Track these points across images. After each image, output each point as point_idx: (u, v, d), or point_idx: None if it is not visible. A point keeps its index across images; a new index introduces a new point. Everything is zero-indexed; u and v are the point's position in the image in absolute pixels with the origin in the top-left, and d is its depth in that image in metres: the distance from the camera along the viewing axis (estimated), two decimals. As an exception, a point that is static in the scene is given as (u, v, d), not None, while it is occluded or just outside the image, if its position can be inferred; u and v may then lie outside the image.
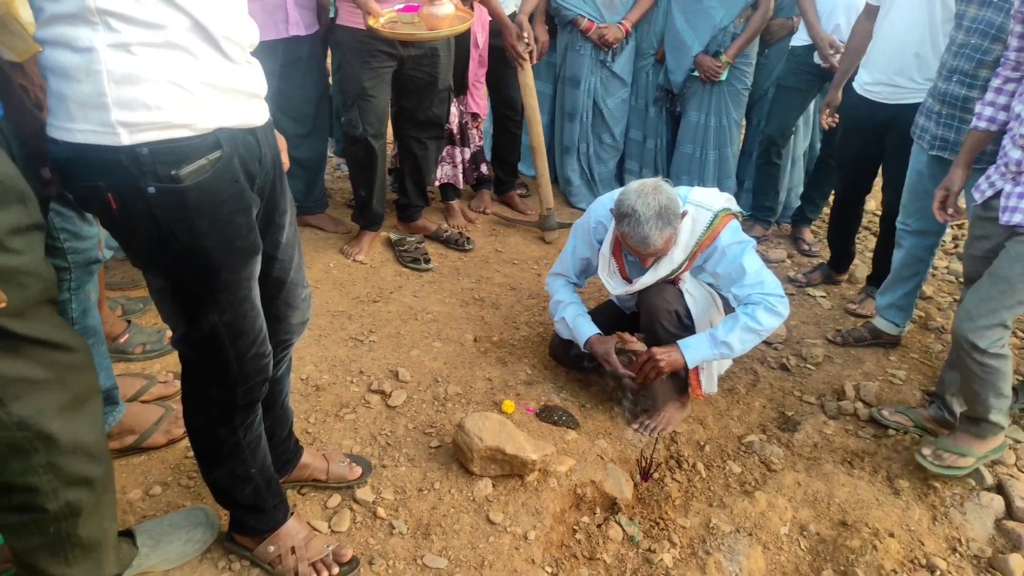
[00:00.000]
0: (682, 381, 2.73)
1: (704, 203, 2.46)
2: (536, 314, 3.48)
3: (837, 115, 3.63)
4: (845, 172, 3.75)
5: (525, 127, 4.28)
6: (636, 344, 2.56)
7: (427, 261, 3.72)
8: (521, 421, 2.59)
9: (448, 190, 4.25)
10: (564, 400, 2.80)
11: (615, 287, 2.63)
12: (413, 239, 3.81)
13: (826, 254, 4.26)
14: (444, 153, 4.06)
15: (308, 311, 1.86)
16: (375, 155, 3.46)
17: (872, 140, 3.42)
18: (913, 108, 3.08)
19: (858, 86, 3.38)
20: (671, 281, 2.56)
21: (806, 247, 4.51)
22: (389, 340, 3.02)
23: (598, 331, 2.65)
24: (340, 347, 2.90)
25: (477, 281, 3.72)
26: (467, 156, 4.17)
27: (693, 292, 2.58)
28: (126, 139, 1.28)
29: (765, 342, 3.47)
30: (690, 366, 2.52)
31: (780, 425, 2.90)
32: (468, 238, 4.04)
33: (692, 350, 2.51)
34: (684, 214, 2.37)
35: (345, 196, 4.40)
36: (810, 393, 3.08)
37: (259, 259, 1.50)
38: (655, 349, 2.49)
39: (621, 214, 2.27)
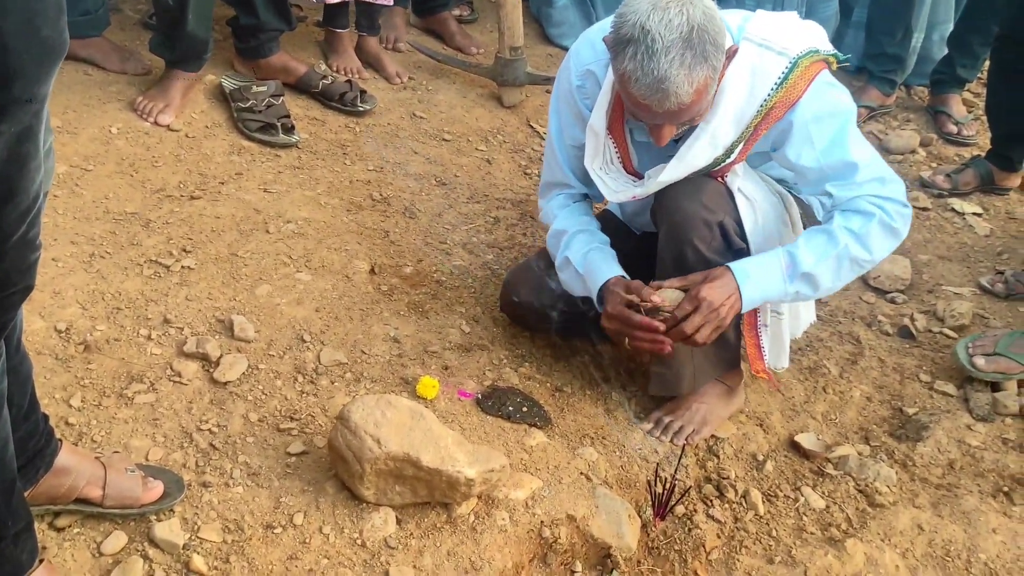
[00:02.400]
0: (729, 348, 2.78)
1: (773, 41, 2.45)
2: (483, 230, 3.46)
3: None
4: None
5: None
6: (669, 299, 2.51)
7: (289, 130, 3.68)
8: (451, 412, 2.59)
9: (336, 12, 4.19)
10: (526, 379, 2.82)
11: (615, 188, 2.61)
12: (264, 89, 3.75)
13: (986, 141, 4.32)
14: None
15: (52, 174, 1.85)
16: None
17: None
18: None
19: None
20: (712, 175, 2.57)
21: (953, 128, 4.58)
22: (217, 267, 2.98)
23: (622, 273, 2.64)
24: (129, 277, 2.86)
25: (378, 169, 3.69)
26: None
27: (752, 194, 2.59)
28: None
29: (877, 289, 3.54)
30: (745, 308, 2.52)
31: (895, 430, 2.97)
32: (364, 92, 4.01)
33: (753, 282, 2.48)
34: (733, 51, 2.35)
35: (140, 9, 4.27)
36: (946, 377, 3.15)
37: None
38: (702, 287, 2.44)
39: (621, 39, 2.22)
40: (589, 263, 2.65)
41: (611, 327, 2.56)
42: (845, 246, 2.44)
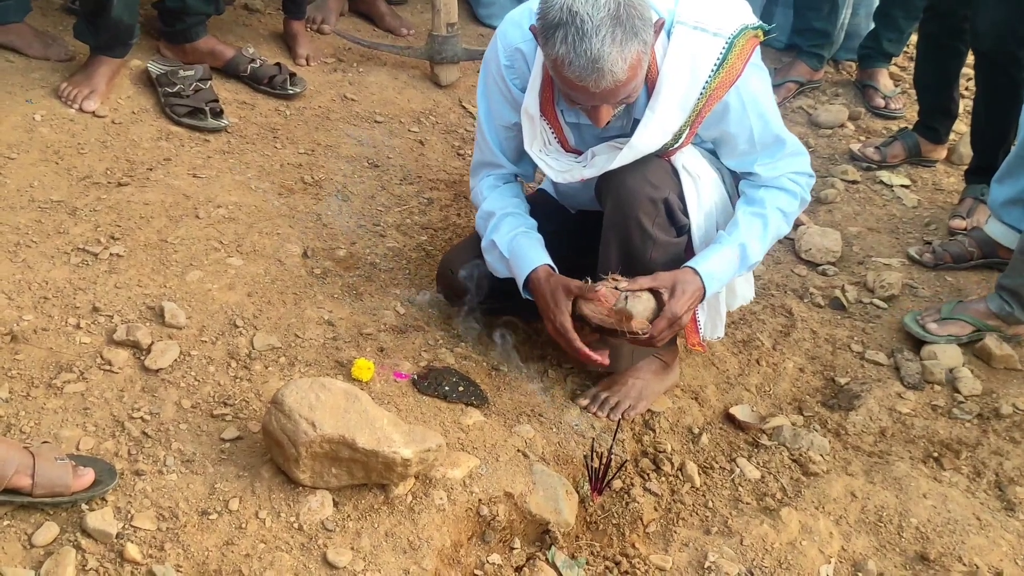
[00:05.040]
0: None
1: (707, 23, 2.47)
2: (416, 211, 3.45)
3: None
4: None
5: None
6: (639, 319, 2.48)
7: (218, 115, 3.65)
8: (386, 394, 2.59)
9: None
10: (462, 359, 2.82)
11: (560, 168, 2.63)
12: (190, 73, 3.70)
13: (913, 114, 4.39)
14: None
15: None
16: None
17: None
18: None
19: None
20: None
21: (881, 102, 4.64)
22: (147, 254, 2.95)
23: (549, 262, 2.65)
24: (56, 265, 2.82)
25: (309, 152, 3.67)
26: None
27: (695, 170, 2.63)
28: None
29: (808, 262, 3.59)
30: (709, 294, 2.60)
31: (827, 400, 3.03)
32: (294, 74, 3.98)
33: (717, 281, 2.58)
34: (660, 24, 2.37)
35: (63, -8, 4.21)
36: (877, 347, 3.21)
37: None
38: (675, 302, 2.48)
39: (550, 24, 2.23)
40: (515, 248, 2.67)
41: (548, 328, 2.60)
42: (777, 227, 2.63)
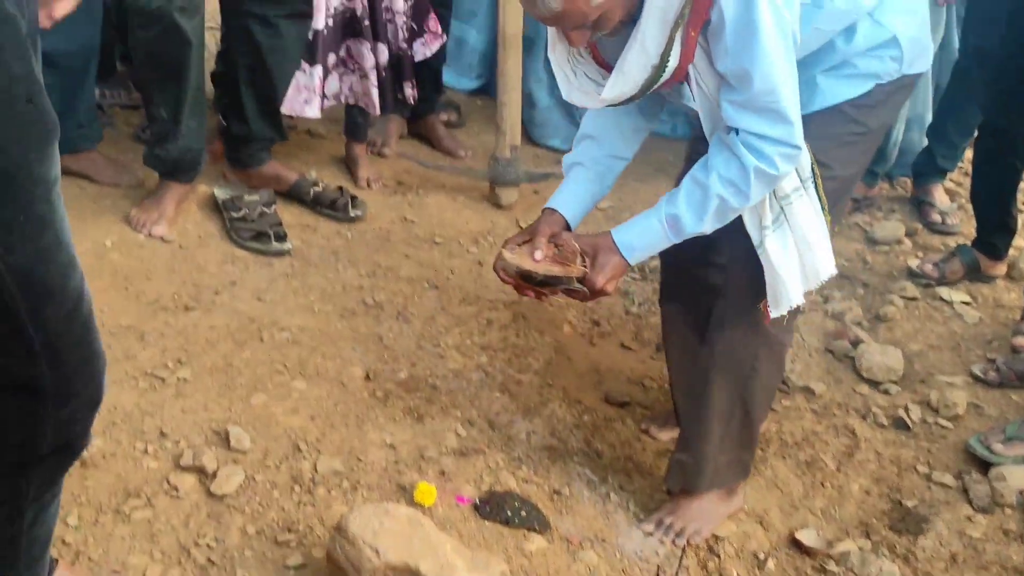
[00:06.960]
0: (750, 451, 2.82)
1: None
2: (475, 331, 3.47)
3: None
4: (991, 77, 3.88)
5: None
6: (577, 265, 2.45)
7: (281, 238, 3.71)
8: (449, 519, 2.59)
9: (356, 122, 4.29)
10: (524, 482, 2.81)
11: (578, 87, 2.47)
12: (255, 198, 3.79)
13: (970, 229, 4.37)
14: (343, 53, 4.04)
15: None
16: (187, 46, 3.43)
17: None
18: None
19: None
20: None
21: (938, 218, 4.63)
22: (213, 378, 2.99)
23: (568, 207, 2.56)
24: (124, 390, 2.86)
25: (371, 274, 3.71)
26: (383, 59, 4.09)
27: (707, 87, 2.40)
28: None
29: (870, 380, 3.55)
30: (632, 264, 2.49)
31: (895, 523, 2.96)
32: (355, 197, 4.05)
33: (638, 252, 2.45)
34: None
35: (133, 122, 4.33)
36: (944, 468, 3.15)
37: (56, 152, 1.56)
38: (596, 275, 2.41)
39: None
40: (566, 175, 2.63)
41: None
42: (724, 199, 2.33)
